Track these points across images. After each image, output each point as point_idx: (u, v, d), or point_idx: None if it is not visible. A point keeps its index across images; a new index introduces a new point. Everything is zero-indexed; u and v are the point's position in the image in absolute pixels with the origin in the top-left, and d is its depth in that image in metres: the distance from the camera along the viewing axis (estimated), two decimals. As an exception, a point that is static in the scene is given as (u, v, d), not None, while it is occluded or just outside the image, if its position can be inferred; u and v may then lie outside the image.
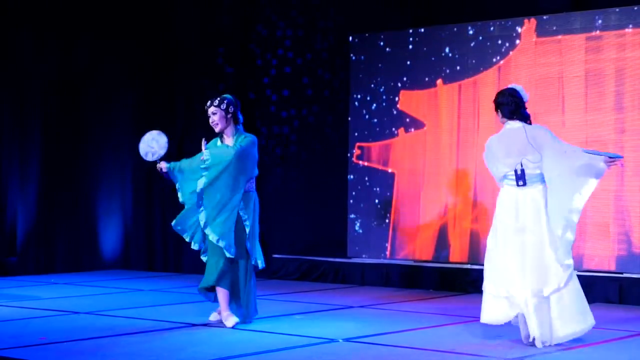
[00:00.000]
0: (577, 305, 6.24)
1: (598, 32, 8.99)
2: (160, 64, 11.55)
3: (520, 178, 6.26)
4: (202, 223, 7.04)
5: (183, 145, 11.44)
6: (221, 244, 6.97)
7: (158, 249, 11.59)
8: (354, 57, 10.48)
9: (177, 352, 6.05)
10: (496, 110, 6.44)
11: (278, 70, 11.00)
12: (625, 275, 8.69)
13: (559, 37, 9.20)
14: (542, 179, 6.29)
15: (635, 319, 7.59)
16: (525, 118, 6.39)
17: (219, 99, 7.14)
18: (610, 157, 6.25)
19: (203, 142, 7.18)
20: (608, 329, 7.00)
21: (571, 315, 6.20)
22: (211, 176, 7.02)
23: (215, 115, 7.10)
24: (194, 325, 7.13)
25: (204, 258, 7.26)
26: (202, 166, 7.06)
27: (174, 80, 11.50)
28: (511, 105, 6.34)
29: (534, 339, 6.14)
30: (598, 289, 8.65)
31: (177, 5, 11.52)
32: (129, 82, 11.69)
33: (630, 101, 8.83)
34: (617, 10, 8.92)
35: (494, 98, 6.46)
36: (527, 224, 6.22)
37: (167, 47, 11.53)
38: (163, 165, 7.22)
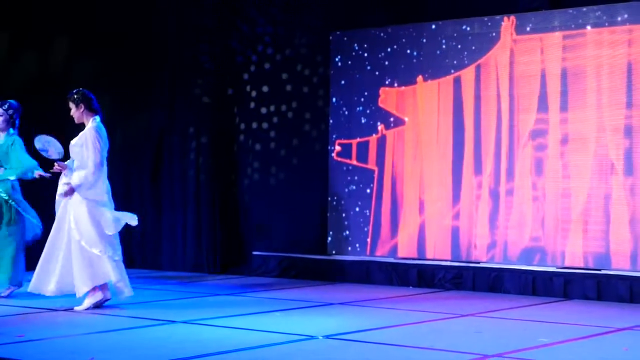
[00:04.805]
0: None
1: (577, 30, 9.02)
2: (139, 60, 11.47)
3: None
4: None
5: (162, 141, 11.41)
6: None
7: (136, 245, 11.53)
8: (334, 54, 10.47)
9: (157, 349, 6.02)
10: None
11: (257, 66, 10.97)
12: (603, 272, 8.73)
13: (538, 35, 9.23)
14: None
15: (613, 316, 7.63)
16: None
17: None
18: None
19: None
20: (586, 325, 7.04)
21: None
22: None
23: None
24: (173, 322, 7.11)
25: None
26: None
27: (153, 76, 11.43)
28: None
29: None
30: (576, 285, 8.68)
31: (157, 1, 11.46)
32: (107, 79, 11.60)
33: (609, 98, 8.87)
34: (595, 8, 8.96)
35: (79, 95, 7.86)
36: None
37: (146, 44, 11.45)
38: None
